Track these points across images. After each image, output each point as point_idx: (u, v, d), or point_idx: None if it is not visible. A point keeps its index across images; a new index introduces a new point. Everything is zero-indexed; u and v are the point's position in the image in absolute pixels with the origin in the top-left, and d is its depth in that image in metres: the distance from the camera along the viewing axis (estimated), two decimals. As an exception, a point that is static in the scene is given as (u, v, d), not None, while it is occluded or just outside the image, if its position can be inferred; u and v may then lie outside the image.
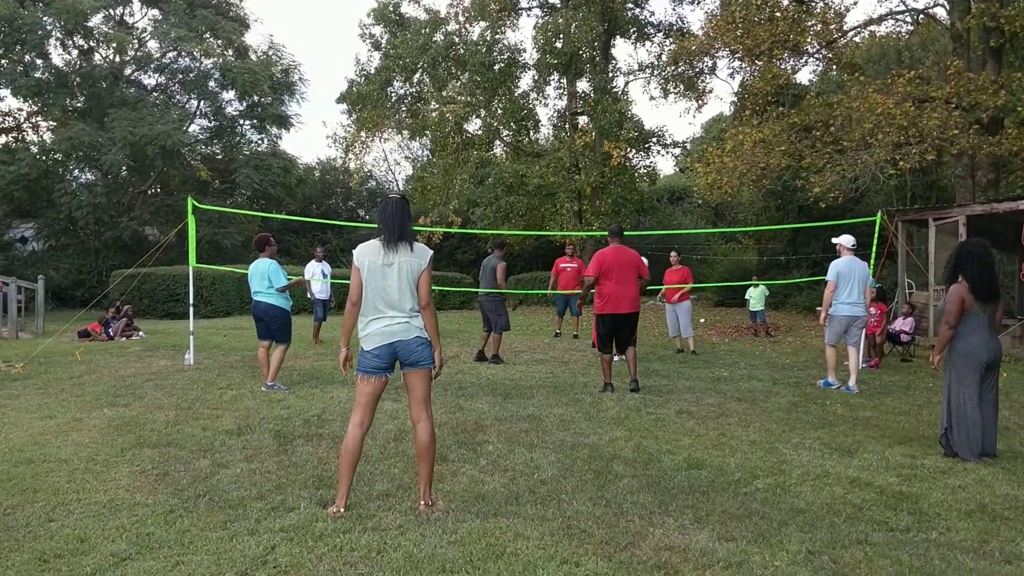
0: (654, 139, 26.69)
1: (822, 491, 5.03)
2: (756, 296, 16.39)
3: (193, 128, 30.31)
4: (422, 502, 4.51)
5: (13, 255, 26.90)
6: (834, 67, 20.11)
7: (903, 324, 12.53)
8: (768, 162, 16.14)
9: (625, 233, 9.31)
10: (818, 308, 9.52)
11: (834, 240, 9.65)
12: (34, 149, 27.30)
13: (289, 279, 9.09)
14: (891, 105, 14.32)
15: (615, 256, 8.78)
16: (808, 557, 3.86)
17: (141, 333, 15.47)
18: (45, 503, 4.63)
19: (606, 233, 9.24)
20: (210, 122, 30.96)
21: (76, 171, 28.28)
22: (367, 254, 4.54)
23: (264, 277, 8.81)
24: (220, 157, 30.81)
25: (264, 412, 7.42)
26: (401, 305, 4.50)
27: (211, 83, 29.80)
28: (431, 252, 4.68)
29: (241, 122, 30.94)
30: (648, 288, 9.40)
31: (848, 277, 9.11)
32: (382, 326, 4.49)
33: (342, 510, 4.44)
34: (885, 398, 8.67)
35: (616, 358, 9.10)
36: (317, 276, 13.96)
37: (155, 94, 30.60)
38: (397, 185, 39.66)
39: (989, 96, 14.37)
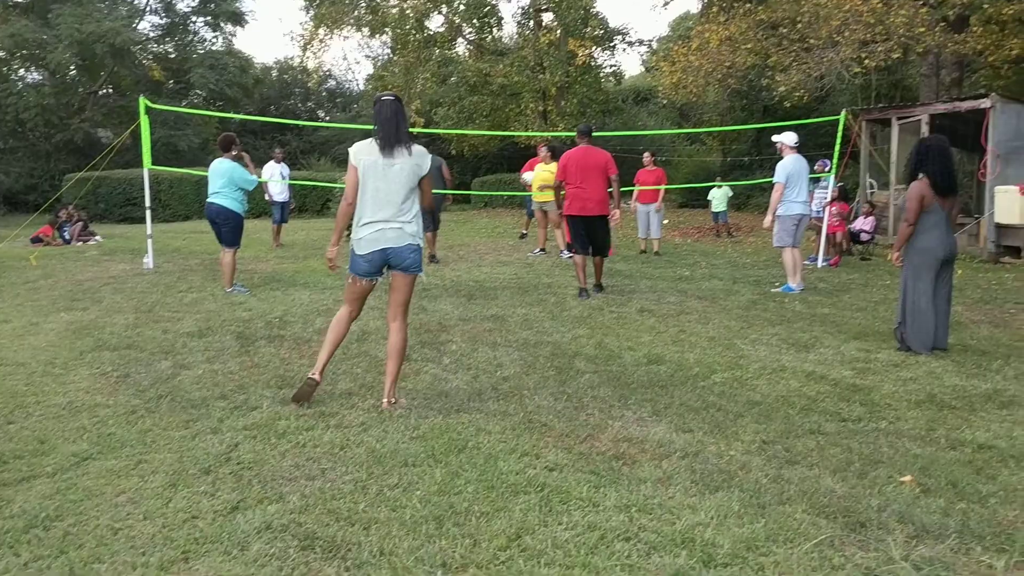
0: (619, 37, 26.13)
1: (778, 384, 5.14)
2: (719, 197, 16.42)
3: (143, 25, 29.20)
4: (385, 400, 4.53)
5: (-40, 159, 26.10)
6: (803, -39, 19.66)
7: (863, 223, 12.67)
8: (734, 60, 15.95)
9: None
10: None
11: (775, 138, 9.27)
12: (-26, 47, 26.14)
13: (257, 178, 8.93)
14: (859, 2, 14.10)
15: (581, 157, 8.50)
16: (762, 447, 3.97)
17: (98, 237, 15.18)
18: (3, 406, 4.59)
19: (572, 134, 9.01)
20: (161, 19, 29.85)
21: (21, 71, 27.27)
22: (365, 153, 4.41)
23: (224, 177, 8.55)
24: (173, 56, 29.80)
25: (226, 314, 7.37)
26: (398, 208, 4.41)
27: (160, -25, 28.58)
28: (430, 156, 4.57)
29: (194, 19, 29.83)
30: (622, 189, 9.15)
31: (797, 177, 8.89)
32: (374, 231, 4.41)
33: (317, 377, 4.53)
34: (843, 295, 8.81)
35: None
36: (276, 178, 13.69)
37: (101, -12, 29.24)
38: (357, 85, 38.74)
39: (957, -8, 14.19)
